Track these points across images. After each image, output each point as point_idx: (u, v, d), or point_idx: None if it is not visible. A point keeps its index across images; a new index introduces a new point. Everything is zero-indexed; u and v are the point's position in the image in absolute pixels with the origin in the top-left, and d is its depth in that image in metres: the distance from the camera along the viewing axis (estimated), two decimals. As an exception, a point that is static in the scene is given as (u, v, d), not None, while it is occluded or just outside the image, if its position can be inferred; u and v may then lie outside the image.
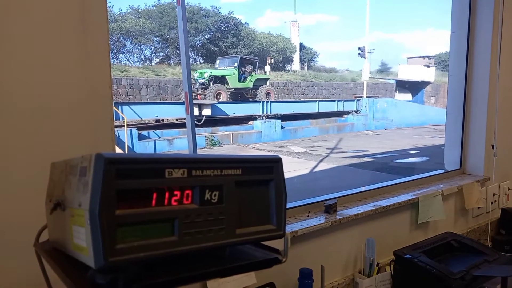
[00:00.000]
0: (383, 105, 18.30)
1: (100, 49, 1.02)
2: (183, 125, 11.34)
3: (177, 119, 13.13)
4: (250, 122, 14.21)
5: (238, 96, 18.01)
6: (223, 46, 27.45)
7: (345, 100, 18.62)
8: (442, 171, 2.39)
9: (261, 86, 18.49)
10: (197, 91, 16.10)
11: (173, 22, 24.06)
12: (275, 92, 19.68)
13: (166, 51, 27.38)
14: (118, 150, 8.22)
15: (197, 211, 0.53)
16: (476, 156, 2.36)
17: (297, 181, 7.39)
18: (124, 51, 26.49)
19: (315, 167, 9.04)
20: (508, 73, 2.32)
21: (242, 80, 18.00)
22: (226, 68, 18.27)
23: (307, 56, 35.23)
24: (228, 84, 17.43)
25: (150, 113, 12.45)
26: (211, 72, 17.26)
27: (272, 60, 24.12)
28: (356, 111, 17.91)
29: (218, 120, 13.67)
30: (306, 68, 32.60)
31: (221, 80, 17.30)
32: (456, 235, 1.83)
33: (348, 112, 17.68)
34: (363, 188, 1.90)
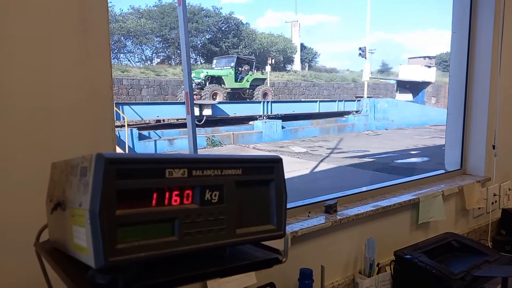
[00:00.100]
0: (384, 105, 18.29)
1: (101, 49, 1.02)
2: (183, 125, 11.34)
3: (177, 119, 13.14)
4: (250, 122, 14.21)
5: (236, 96, 17.81)
6: (224, 47, 27.46)
7: (345, 100, 18.63)
8: (443, 171, 2.39)
9: (258, 86, 18.28)
10: (193, 91, 16.01)
11: (174, 22, 24.06)
12: (273, 92, 19.59)
13: (167, 51, 27.40)
14: (118, 150, 8.23)
15: (197, 211, 0.53)
16: (476, 156, 2.36)
17: (298, 181, 7.39)
18: (125, 51, 26.52)
19: (315, 167, 9.03)
20: (508, 73, 2.32)
21: (238, 80, 17.80)
22: (222, 68, 18.06)
23: (308, 57, 35.22)
24: (224, 84, 17.23)
25: (150, 113, 12.47)
26: (207, 72, 17.05)
27: (273, 60, 24.11)
28: (356, 111, 17.91)
29: (218, 120, 13.67)
30: (306, 68, 32.60)
31: (218, 80, 17.10)
32: (457, 235, 1.83)
33: (348, 112, 17.68)
34: (364, 188, 1.90)
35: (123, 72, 18.23)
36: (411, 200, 1.85)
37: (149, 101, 16.18)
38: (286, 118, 14.90)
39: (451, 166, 2.43)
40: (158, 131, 11.81)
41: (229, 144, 12.37)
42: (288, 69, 29.97)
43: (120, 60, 25.58)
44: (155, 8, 26.87)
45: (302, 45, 34.07)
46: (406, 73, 29.10)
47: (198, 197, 0.53)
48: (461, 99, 2.36)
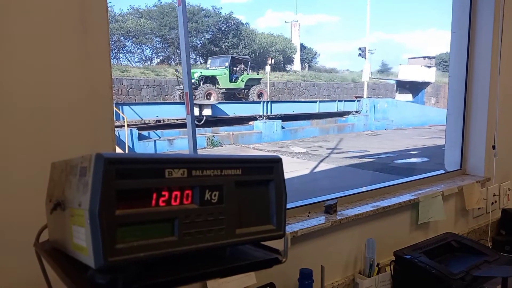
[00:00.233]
0: (384, 105, 18.30)
1: (101, 49, 1.02)
2: (183, 125, 11.34)
3: (177, 119, 13.14)
4: (250, 123, 14.21)
5: (231, 96, 17.65)
6: (224, 47, 27.47)
7: (345, 101, 18.63)
8: (443, 171, 2.39)
9: (254, 86, 18.05)
10: None
11: (173, 22, 24.07)
12: (268, 93, 19.49)
13: (166, 51, 27.41)
14: (118, 150, 8.22)
15: (197, 211, 0.53)
16: (476, 156, 2.36)
17: (297, 182, 7.39)
18: (125, 51, 26.53)
19: (315, 167, 9.04)
20: (508, 73, 2.32)
21: (233, 80, 17.59)
22: (217, 68, 17.83)
23: (308, 57, 35.24)
24: (219, 84, 17.03)
25: (150, 113, 12.46)
26: (201, 72, 16.84)
27: (273, 61, 24.11)
28: (356, 112, 17.91)
29: (218, 120, 13.67)
30: (306, 68, 32.61)
31: (212, 80, 16.88)
32: (457, 235, 1.83)
33: (348, 113, 17.68)
34: (363, 189, 1.90)
35: (122, 72, 18.23)
36: (411, 200, 1.85)
37: (149, 101, 16.18)
38: (286, 118, 14.90)
39: (450, 166, 2.43)
40: (158, 131, 11.80)
41: (229, 144, 12.37)
42: (288, 69, 29.99)
43: (120, 60, 25.62)
44: (154, 8, 26.90)
45: (302, 45, 34.09)
46: (405, 73, 29.11)
47: (198, 197, 0.53)
48: (461, 99, 2.36)
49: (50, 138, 0.97)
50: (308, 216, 1.57)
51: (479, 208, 2.29)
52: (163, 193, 0.51)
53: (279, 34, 32.66)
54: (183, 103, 9.98)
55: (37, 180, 0.81)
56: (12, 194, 0.93)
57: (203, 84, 16.18)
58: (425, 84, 27.33)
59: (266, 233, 0.61)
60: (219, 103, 14.26)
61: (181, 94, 15.44)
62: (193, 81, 15.82)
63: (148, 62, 26.59)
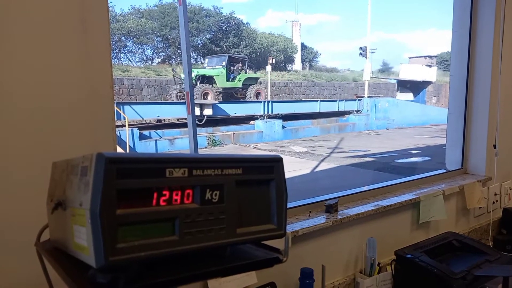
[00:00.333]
0: (385, 104, 18.28)
1: (101, 49, 1.02)
2: (184, 125, 11.34)
3: (178, 119, 13.14)
4: (251, 122, 14.21)
5: (228, 96, 17.46)
6: (225, 46, 27.46)
7: (346, 100, 18.61)
8: (444, 170, 2.38)
9: (251, 86, 17.83)
10: (184, 91, 15.66)
11: (174, 22, 24.07)
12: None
13: (167, 51, 27.42)
14: (119, 149, 8.23)
15: (197, 210, 0.53)
16: (477, 155, 2.36)
17: (298, 181, 7.39)
18: (126, 51, 26.55)
19: (316, 166, 9.03)
20: (509, 72, 2.31)
21: (230, 79, 17.34)
22: (214, 67, 17.54)
23: (309, 56, 35.22)
24: (216, 84, 16.79)
25: (151, 113, 12.46)
26: (198, 72, 16.56)
27: (274, 60, 24.08)
28: (357, 111, 17.89)
29: (219, 120, 13.67)
30: (307, 68, 32.60)
31: (209, 80, 16.66)
32: (458, 234, 1.83)
33: (349, 112, 17.67)
34: (364, 188, 1.90)
35: (123, 72, 18.24)
36: (412, 199, 1.85)
37: (150, 101, 16.18)
38: (286, 117, 14.89)
39: (452, 166, 2.43)
40: (159, 131, 11.81)
41: (230, 143, 12.37)
42: (288, 68, 29.98)
43: (121, 60, 25.64)
44: (155, 8, 26.91)
45: (302, 44, 34.08)
46: (407, 72, 29.06)
47: (199, 197, 0.53)
48: (462, 98, 2.36)
49: (51, 138, 0.97)
50: (309, 215, 1.57)
51: (480, 208, 2.29)
52: (164, 192, 0.51)
53: (280, 33, 32.70)
54: (184, 103, 9.98)
55: (38, 180, 0.81)
56: (13, 194, 0.93)
57: (200, 83, 15.94)
58: (426, 84, 27.30)
59: (267, 232, 0.61)
60: (220, 102, 14.25)
61: (178, 94, 15.38)
62: (184, 80, 15.73)
63: (149, 62, 26.63)
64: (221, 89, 17.17)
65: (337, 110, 17.34)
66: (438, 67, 30.98)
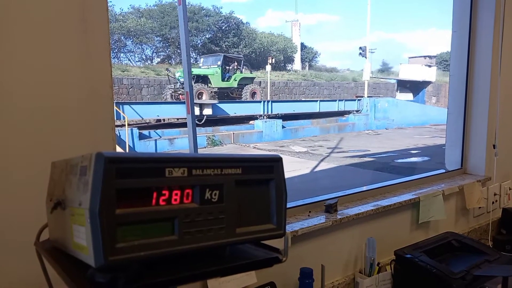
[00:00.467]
0: (384, 104, 18.28)
1: (101, 48, 1.02)
2: (184, 125, 11.33)
3: (178, 119, 13.13)
4: (251, 122, 14.20)
5: (224, 96, 17.29)
6: (224, 46, 27.46)
7: (346, 100, 18.60)
8: (443, 170, 2.38)
9: (247, 86, 17.68)
10: (179, 91, 15.28)
11: (174, 21, 24.06)
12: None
13: (167, 51, 27.42)
14: (119, 149, 8.23)
15: (197, 210, 0.53)
16: (477, 155, 2.36)
17: (298, 181, 7.39)
18: (125, 50, 26.55)
19: (316, 166, 9.03)
20: (509, 72, 2.32)
21: (226, 79, 17.15)
22: (209, 66, 17.36)
23: (308, 56, 35.23)
24: (211, 84, 16.61)
25: (151, 113, 12.46)
26: (192, 72, 16.48)
27: (273, 60, 24.06)
28: (357, 111, 17.89)
29: (219, 120, 13.67)
30: (307, 67, 32.61)
31: (204, 79, 16.48)
32: (457, 234, 1.83)
33: (349, 112, 17.66)
34: (364, 188, 1.90)
35: (123, 71, 18.23)
36: (411, 199, 1.85)
37: (150, 101, 16.16)
38: (286, 117, 14.89)
39: (451, 166, 2.43)
40: (159, 131, 11.80)
41: (230, 143, 12.37)
42: (288, 68, 29.99)
43: (120, 60, 25.64)
44: (155, 7, 26.92)
45: (302, 44, 34.10)
46: (406, 72, 29.07)
47: (198, 196, 0.53)
48: (462, 98, 2.36)
49: (50, 138, 0.97)
50: (309, 215, 1.57)
51: (479, 208, 2.29)
52: (164, 192, 0.51)
53: (280, 33, 32.73)
54: (183, 103, 9.96)
55: (38, 180, 0.81)
56: (12, 194, 0.93)
57: (194, 83, 15.70)
58: (425, 83, 27.30)
59: (266, 232, 0.61)
60: (220, 102, 14.24)
61: (173, 94, 15.29)
62: (184, 80, 15.61)
63: (149, 62, 26.63)
64: (216, 88, 16.99)
65: (336, 110, 17.34)
66: (438, 67, 31.00)
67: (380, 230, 1.75)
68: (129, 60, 26.37)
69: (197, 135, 5.93)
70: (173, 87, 15.46)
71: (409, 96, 27.07)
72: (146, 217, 0.49)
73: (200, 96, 15.25)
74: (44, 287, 0.68)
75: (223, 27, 28.58)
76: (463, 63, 2.33)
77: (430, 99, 27.01)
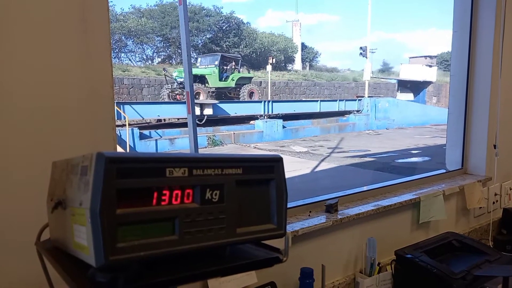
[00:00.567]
0: (385, 104, 18.27)
1: (102, 48, 1.02)
2: (184, 125, 11.34)
3: (178, 119, 13.13)
4: (251, 122, 14.21)
5: (222, 95, 17.14)
6: (225, 46, 27.46)
7: (346, 100, 18.60)
8: (444, 171, 2.38)
9: (244, 85, 17.55)
10: (176, 91, 15.28)
11: (174, 21, 24.06)
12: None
13: (167, 51, 27.43)
14: (119, 149, 8.23)
15: (197, 210, 0.53)
16: (478, 156, 2.36)
17: (298, 181, 7.39)
18: (126, 50, 26.56)
19: (316, 166, 9.03)
20: (509, 72, 2.31)
21: (223, 79, 17.00)
22: (207, 66, 17.18)
23: (309, 56, 35.22)
24: (208, 84, 16.46)
25: (151, 113, 12.46)
26: None
27: (274, 60, 24.05)
28: (357, 111, 17.88)
29: (219, 120, 13.67)
30: (307, 67, 32.60)
31: (201, 79, 16.32)
32: (458, 235, 1.83)
33: (349, 112, 17.66)
34: (365, 188, 1.90)
35: (124, 71, 18.24)
36: (412, 199, 1.85)
37: (150, 101, 16.16)
38: (287, 117, 14.89)
39: (452, 166, 2.43)
40: (159, 131, 11.81)
41: (230, 143, 12.37)
42: (289, 68, 29.99)
43: (121, 60, 25.65)
44: (156, 7, 26.91)
45: (303, 44, 34.08)
46: (407, 72, 29.06)
47: (199, 196, 0.54)
48: (462, 98, 2.36)
49: (51, 138, 0.97)
50: (309, 215, 1.57)
51: (480, 208, 2.29)
52: (164, 192, 0.51)
53: (280, 33, 32.71)
54: (184, 103, 9.97)
55: (38, 179, 0.81)
56: (13, 194, 0.93)
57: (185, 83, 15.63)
58: (426, 84, 27.29)
59: (267, 232, 0.61)
60: (220, 102, 14.23)
61: (170, 94, 15.23)
62: (181, 80, 15.15)
63: (149, 62, 26.63)
64: (214, 88, 16.86)
65: (337, 110, 17.33)
66: (439, 67, 30.97)
67: (380, 230, 1.75)
68: (129, 60, 26.40)
69: (198, 135, 5.94)
70: (170, 87, 15.41)
71: (410, 96, 27.06)
72: (146, 217, 0.49)
73: (197, 96, 15.15)
74: (44, 287, 0.68)
75: (224, 27, 28.58)
76: (463, 63, 2.33)
77: (430, 99, 26.99)
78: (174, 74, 15.55)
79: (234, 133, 12.82)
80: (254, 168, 0.59)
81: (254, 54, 28.13)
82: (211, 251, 0.57)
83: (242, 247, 0.65)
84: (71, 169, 0.55)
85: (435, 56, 33.38)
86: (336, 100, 18.34)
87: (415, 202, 1.88)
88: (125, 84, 16.66)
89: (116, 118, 1.13)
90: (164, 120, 13.53)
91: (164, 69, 17.10)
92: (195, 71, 16.65)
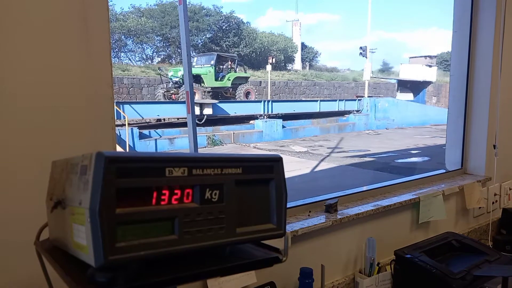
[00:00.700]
0: (385, 104, 18.28)
1: (101, 48, 1.02)
2: (184, 124, 11.34)
3: (178, 118, 13.14)
4: (251, 122, 14.21)
5: (218, 95, 17.02)
6: (225, 45, 27.46)
7: (346, 100, 18.61)
8: (443, 171, 2.38)
9: (241, 85, 17.47)
10: (170, 90, 15.20)
11: (174, 21, 24.05)
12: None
13: (167, 50, 27.42)
14: (119, 149, 8.23)
15: (197, 210, 0.53)
16: (477, 156, 2.36)
17: (298, 181, 7.39)
18: (126, 50, 26.54)
19: (316, 166, 9.03)
20: (509, 72, 2.31)
21: (219, 78, 16.85)
22: (202, 66, 17.02)
23: (309, 56, 35.23)
24: (204, 83, 16.33)
25: (151, 112, 12.46)
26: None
27: (274, 60, 24.05)
28: (357, 111, 17.89)
29: (219, 120, 13.67)
30: (307, 67, 32.61)
31: (196, 79, 16.06)
32: (457, 235, 1.83)
33: (349, 112, 17.67)
34: (364, 188, 1.90)
35: (123, 71, 18.23)
36: (411, 199, 1.85)
37: (150, 100, 16.16)
38: (286, 117, 14.90)
39: (451, 166, 2.43)
40: (159, 130, 11.81)
41: (230, 143, 12.37)
42: (288, 68, 29.99)
43: (121, 59, 25.64)
44: (155, 7, 26.91)
45: (302, 44, 34.10)
46: (407, 72, 29.07)
47: (198, 196, 0.53)
48: (462, 98, 2.36)
49: (51, 137, 0.97)
50: (309, 215, 1.57)
51: (479, 208, 2.29)
52: (164, 191, 0.51)
53: (280, 33, 32.74)
54: (183, 102, 9.97)
55: (38, 179, 0.81)
56: (12, 193, 0.93)
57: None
58: (426, 83, 27.31)
59: (266, 232, 0.61)
60: (220, 102, 14.23)
61: (165, 93, 15.17)
62: (176, 79, 15.22)
63: (149, 61, 26.61)
64: (209, 88, 16.73)
65: (337, 110, 17.34)
66: (438, 67, 31.00)
67: (380, 230, 1.75)
68: (129, 59, 26.39)
69: (197, 134, 5.94)
70: (165, 87, 15.37)
71: (410, 96, 27.09)
72: (146, 216, 0.49)
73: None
74: (44, 287, 0.68)
75: (224, 27, 28.57)
76: (463, 63, 2.33)
77: (430, 99, 27.01)
78: (170, 74, 15.49)
79: (233, 133, 12.82)
80: (254, 168, 0.59)
81: (254, 53, 28.13)
82: (210, 251, 0.57)
83: (241, 247, 0.64)
84: (70, 169, 0.55)
85: (435, 56, 33.42)
86: (336, 100, 18.35)
87: (415, 202, 1.88)
88: (125, 84, 16.65)
89: (115, 118, 1.13)
90: (164, 119, 13.53)
91: (159, 68, 17.04)
92: (191, 70, 16.63)
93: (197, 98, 14.94)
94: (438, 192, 1.96)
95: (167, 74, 15.75)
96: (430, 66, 29.64)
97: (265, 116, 14.55)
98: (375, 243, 1.60)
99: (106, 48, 1.02)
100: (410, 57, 34.94)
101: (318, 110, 16.56)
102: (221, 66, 17.14)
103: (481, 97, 2.30)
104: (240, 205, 0.58)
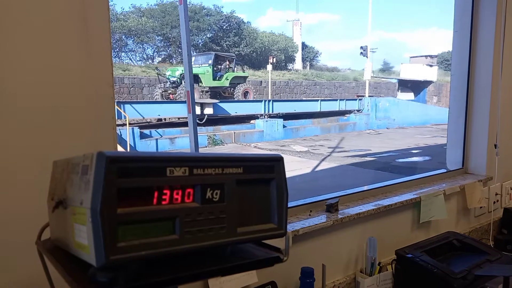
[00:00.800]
0: (385, 104, 18.27)
1: (102, 48, 1.02)
2: (185, 124, 11.33)
3: (179, 118, 13.14)
4: (252, 121, 14.21)
5: (216, 95, 16.88)
6: (225, 45, 27.46)
7: (347, 99, 18.60)
8: (444, 170, 2.38)
9: (239, 85, 17.16)
10: (168, 90, 15.16)
11: (175, 21, 24.05)
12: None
13: (168, 50, 27.42)
14: (120, 148, 8.23)
15: (198, 209, 0.53)
16: (478, 155, 2.36)
17: (299, 180, 7.39)
18: (126, 50, 26.55)
19: (317, 166, 9.03)
20: (510, 72, 2.31)
21: (217, 78, 16.70)
22: (200, 65, 16.81)
23: (309, 55, 35.22)
24: (201, 83, 16.19)
25: (152, 112, 12.47)
26: (182, 71, 15.39)
27: (274, 59, 24.04)
28: (358, 110, 17.88)
29: (220, 119, 13.67)
30: (308, 67, 32.60)
31: (195, 78, 15.63)
32: (458, 234, 1.82)
33: (350, 111, 17.66)
34: (365, 187, 1.90)
35: (124, 71, 18.23)
36: (412, 199, 1.85)
37: (151, 100, 16.16)
38: (287, 117, 14.90)
39: (452, 165, 2.42)
40: (160, 130, 11.82)
41: (231, 143, 12.37)
42: (289, 68, 29.98)
43: (122, 59, 25.64)
44: (156, 6, 26.91)
45: (303, 44, 34.09)
46: (407, 72, 29.05)
47: (199, 196, 0.53)
48: (463, 98, 2.35)
49: (51, 137, 0.97)
50: (310, 215, 1.57)
51: (481, 207, 2.29)
52: (165, 191, 0.51)
53: (281, 33, 32.74)
54: (184, 102, 9.96)
55: (39, 179, 0.81)
56: (13, 193, 0.93)
57: (185, 82, 15.42)
58: (427, 83, 27.29)
59: (267, 231, 0.61)
60: (221, 101, 14.23)
61: (163, 93, 15.14)
62: (174, 79, 15.17)
63: (150, 61, 26.61)
64: (207, 88, 16.61)
65: (337, 109, 17.34)
66: (439, 66, 30.98)
67: (381, 230, 1.75)
68: (130, 59, 26.39)
69: (198, 134, 5.94)
70: (163, 87, 15.34)
71: (410, 95, 27.07)
72: (147, 216, 0.49)
73: (191, 95, 15.05)
74: (45, 286, 0.68)
75: (224, 27, 28.57)
76: (464, 63, 2.33)
77: (431, 99, 26.99)
78: (167, 73, 15.45)
79: (234, 133, 12.82)
80: (255, 168, 0.59)
81: (254, 53, 28.13)
82: (211, 250, 0.57)
83: (242, 246, 0.64)
84: (72, 169, 0.55)
85: (436, 56, 33.40)
86: (336, 100, 18.34)
87: (416, 202, 1.88)
88: (126, 84, 16.66)
89: (116, 118, 1.13)
90: (165, 119, 13.53)
91: (156, 68, 16.97)
92: (188, 70, 16.57)
93: (195, 97, 14.89)
94: (439, 192, 1.96)
95: (165, 74, 15.73)
96: (430, 65, 29.61)
97: (265, 116, 14.55)
98: (376, 243, 1.60)
99: (106, 48, 1.02)
100: (411, 57, 34.97)
101: (318, 110, 16.55)
102: (219, 66, 17.03)
103: (482, 96, 2.30)
104: (241, 204, 0.58)
